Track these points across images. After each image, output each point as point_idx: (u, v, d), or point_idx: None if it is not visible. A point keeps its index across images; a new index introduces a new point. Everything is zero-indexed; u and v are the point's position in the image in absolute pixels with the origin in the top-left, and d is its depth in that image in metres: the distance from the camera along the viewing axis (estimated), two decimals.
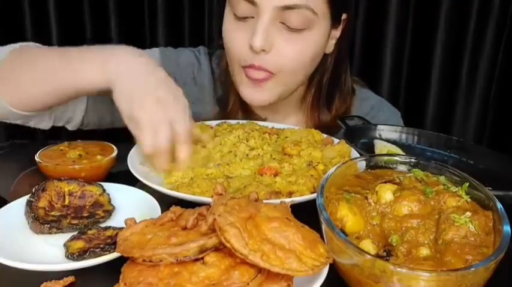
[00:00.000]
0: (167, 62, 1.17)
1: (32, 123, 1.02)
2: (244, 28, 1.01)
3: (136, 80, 0.85)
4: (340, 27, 1.10)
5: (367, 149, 0.96)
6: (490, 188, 0.64)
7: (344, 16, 1.09)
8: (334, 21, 1.06)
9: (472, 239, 0.57)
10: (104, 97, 0.98)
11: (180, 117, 0.81)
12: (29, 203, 0.68)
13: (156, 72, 0.87)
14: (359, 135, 1.04)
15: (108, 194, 0.74)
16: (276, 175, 0.82)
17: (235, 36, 1.03)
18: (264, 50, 0.99)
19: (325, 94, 1.17)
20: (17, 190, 0.77)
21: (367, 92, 1.29)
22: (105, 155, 0.86)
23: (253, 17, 0.99)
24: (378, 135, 1.07)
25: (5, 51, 0.98)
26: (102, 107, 1.11)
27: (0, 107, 0.95)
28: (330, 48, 1.11)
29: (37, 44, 1.07)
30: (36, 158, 0.84)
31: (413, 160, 0.72)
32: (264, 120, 1.14)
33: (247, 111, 1.17)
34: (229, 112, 1.18)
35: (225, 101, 1.18)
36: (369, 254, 0.52)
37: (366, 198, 0.63)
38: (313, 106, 1.19)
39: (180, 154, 0.81)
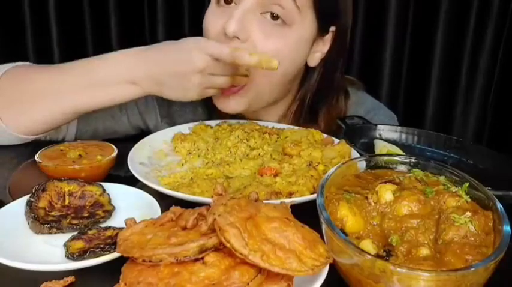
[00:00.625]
0: None
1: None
2: (222, 13, 0.98)
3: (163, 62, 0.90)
4: (329, 40, 1.06)
5: (367, 149, 0.96)
6: (490, 188, 0.64)
7: (333, 28, 1.05)
8: (321, 28, 1.02)
9: (472, 239, 0.57)
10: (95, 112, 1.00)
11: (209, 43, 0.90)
12: (29, 203, 0.68)
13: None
14: (359, 135, 1.04)
15: (108, 194, 0.74)
16: (276, 175, 0.82)
17: (212, 20, 1.00)
18: (238, 38, 0.94)
19: (308, 111, 1.12)
20: (17, 190, 0.77)
21: (363, 95, 1.27)
22: (105, 155, 0.86)
23: (235, 4, 0.97)
24: (378, 135, 1.07)
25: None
26: (97, 122, 1.12)
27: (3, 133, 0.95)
28: (315, 61, 1.07)
29: (27, 63, 1.05)
30: (36, 158, 0.84)
31: (413, 160, 0.72)
32: None
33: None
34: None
35: (211, 108, 1.13)
36: (369, 254, 0.52)
37: (366, 198, 0.63)
38: (293, 122, 1.14)
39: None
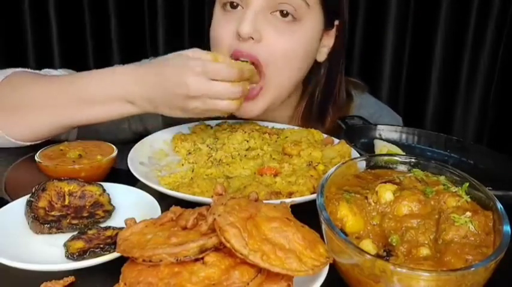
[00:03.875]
0: None
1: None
2: (232, 18, 0.99)
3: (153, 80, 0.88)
4: (333, 35, 1.09)
5: (367, 149, 0.96)
6: (490, 188, 0.64)
7: (337, 22, 1.08)
8: (327, 22, 1.05)
9: (472, 239, 0.57)
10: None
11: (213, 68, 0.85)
12: (29, 203, 0.68)
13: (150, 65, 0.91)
14: (359, 135, 1.04)
15: (108, 194, 0.74)
16: (276, 175, 0.82)
17: (222, 26, 1.01)
18: (252, 38, 0.96)
19: (318, 106, 1.14)
20: (17, 190, 0.77)
21: (367, 98, 1.27)
22: (105, 155, 0.86)
23: (242, 8, 0.98)
24: (378, 135, 1.07)
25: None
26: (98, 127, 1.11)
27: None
28: (323, 56, 1.10)
29: (27, 70, 1.05)
30: (36, 158, 0.84)
31: (413, 160, 0.72)
32: None
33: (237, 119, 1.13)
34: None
35: None
36: (369, 254, 0.52)
37: (366, 198, 0.63)
38: (303, 117, 1.16)
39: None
